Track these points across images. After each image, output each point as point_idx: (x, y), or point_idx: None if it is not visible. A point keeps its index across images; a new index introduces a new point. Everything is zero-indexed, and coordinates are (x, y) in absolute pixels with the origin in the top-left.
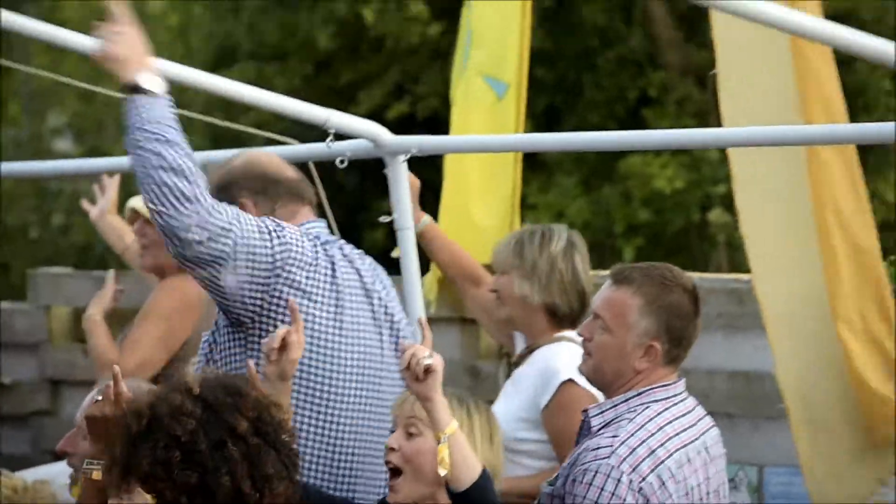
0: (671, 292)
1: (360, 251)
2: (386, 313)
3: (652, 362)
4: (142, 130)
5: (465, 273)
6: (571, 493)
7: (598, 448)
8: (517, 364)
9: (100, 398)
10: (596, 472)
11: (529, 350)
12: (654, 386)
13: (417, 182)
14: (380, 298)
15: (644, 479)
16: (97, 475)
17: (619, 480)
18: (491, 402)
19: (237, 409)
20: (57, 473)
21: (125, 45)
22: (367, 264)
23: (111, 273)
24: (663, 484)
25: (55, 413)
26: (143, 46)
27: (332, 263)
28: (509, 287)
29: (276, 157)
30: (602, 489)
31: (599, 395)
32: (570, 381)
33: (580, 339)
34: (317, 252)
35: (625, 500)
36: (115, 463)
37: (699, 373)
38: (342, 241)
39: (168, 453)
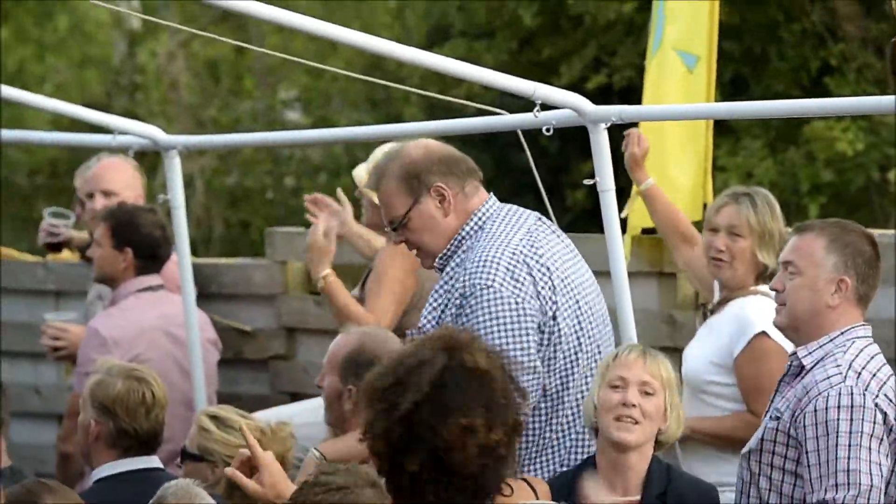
0: (851, 233)
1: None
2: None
3: (844, 298)
4: None
5: (680, 232)
6: (817, 422)
7: (827, 377)
8: (713, 312)
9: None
10: (839, 394)
11: (725, 300)
12: (854, 325)
13: (646, 145)
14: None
15: (877, 396)
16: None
17: (862, 395)
18: None
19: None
20: (293, 414)
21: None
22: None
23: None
24: (891, 401)
25: (290, 357)
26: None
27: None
28: (746, 252)
29: (437, 142)
30: (851, 406)
31: (790, 348)
32: (764, 333)
33: (772, 292)
34: (529, 275)
35: (874, 412)
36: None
37: (880, 321)
38: (528, 211)
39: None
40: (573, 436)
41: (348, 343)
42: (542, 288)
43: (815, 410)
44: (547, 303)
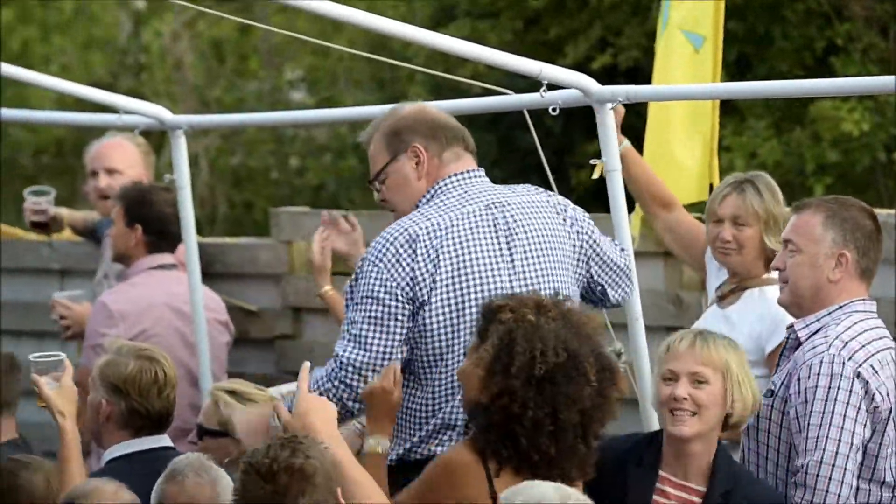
0: (850, 208)
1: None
2: (512, 248)
3: (845, 272)
4: None
5: (658, 196)
6: (799, 391)
7: (814, 347)
8: (723, 298)
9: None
10: (820, 363)
11: (740, 289)
12: (854, 300)
13: (622, 108)
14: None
15: (860, 365)
16: (378, 450)
17: (842, 365)
18: None
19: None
20: None
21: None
22: (519, 205)
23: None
24: (876, 372)
25: (297, 337)
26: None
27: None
28: (754, 239)
29: (436, 109)
30: (830, 375)
31: None
32: None
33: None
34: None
35: (851, 381)
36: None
37: (888, 300)
38: (494, 193)
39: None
40: (441, 415)
41: None
42: (421, 275)
43: (798, 380)
44: (421, 290)
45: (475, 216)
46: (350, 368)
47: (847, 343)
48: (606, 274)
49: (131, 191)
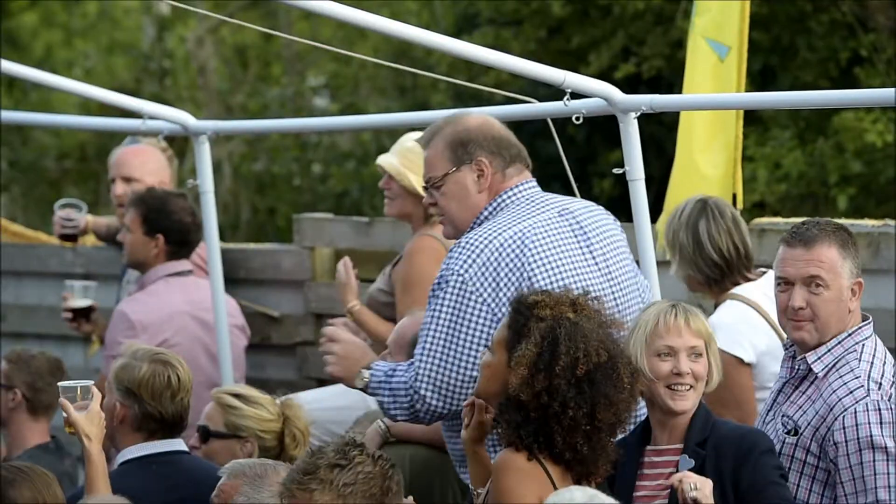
0: (843, 231)
1: (578, 202)
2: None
3: (857, 299)
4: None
5: None
6: (842, 429)
7: (850, 392)
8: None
9: None
10: (866, 409)
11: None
12: (860, 325)
13: None
14: (588, 239)
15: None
16: None
17: (879, 410)
18: None
19: None
20: (320, 398)
21: (341, 362)
22: (583, 212)
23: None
24: None
25: (319, 343)
26: (357, 351)
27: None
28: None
29: (498, 122)
30: (870, 423)
31: (744, 355)
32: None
33: (741, 293)
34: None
35: (892, 426)
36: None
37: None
38: (559, 200)
39: None
40: None
41: (415, 325)
42: (509, 283)
43: (845, 427)
44: (506, 299)
45: (553, 223)
46: (425, 380)
47: (879, 383)
48: None
49: (149, 199)
